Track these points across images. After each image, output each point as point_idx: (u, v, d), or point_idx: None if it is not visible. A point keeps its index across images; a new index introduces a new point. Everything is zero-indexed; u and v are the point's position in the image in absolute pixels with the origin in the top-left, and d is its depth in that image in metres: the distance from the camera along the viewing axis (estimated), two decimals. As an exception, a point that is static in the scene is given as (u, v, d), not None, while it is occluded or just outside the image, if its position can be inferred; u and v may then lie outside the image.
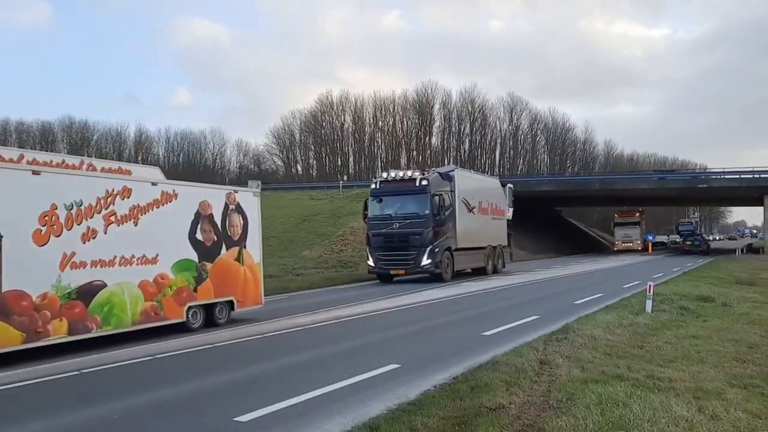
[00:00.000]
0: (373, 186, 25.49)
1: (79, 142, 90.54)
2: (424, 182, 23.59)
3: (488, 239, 28.34)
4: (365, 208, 25.18)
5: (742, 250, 56.88)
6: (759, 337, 11.02)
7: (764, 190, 47.34)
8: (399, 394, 7.38)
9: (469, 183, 27.24)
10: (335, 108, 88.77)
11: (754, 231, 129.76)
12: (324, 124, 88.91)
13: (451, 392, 7.28)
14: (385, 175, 25.58)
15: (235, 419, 6.51)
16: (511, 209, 32.32)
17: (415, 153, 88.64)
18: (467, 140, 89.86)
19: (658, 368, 8.31)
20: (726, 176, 52.86)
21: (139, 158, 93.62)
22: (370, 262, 25.02)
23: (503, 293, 20.58)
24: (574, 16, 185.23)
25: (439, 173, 25.19)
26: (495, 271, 28.46)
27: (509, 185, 33.40)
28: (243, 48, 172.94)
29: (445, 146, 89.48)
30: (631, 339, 10.66)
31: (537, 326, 12.53)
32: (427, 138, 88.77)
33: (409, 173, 24.55)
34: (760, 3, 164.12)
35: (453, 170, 26.08)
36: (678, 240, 75.86)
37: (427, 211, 23.41)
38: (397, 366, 8.91)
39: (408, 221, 23.64)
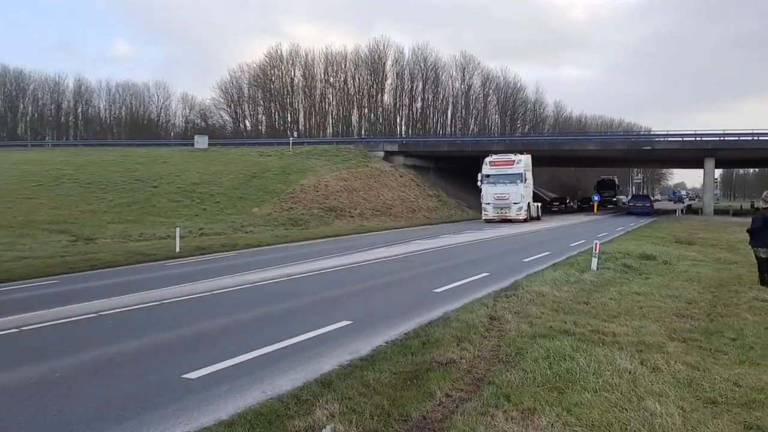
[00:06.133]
0: None
1: (14, 92, 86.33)
2: None
3: None
4: None
5: (682, 211, 58.95)
6: (697, 293, 11.47)
7: (705, 153, 48.85)
8: (351, 350, 7.39)
9: None
10: (285, 62, 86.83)
11: (690, 193, 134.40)
12: (273, 78, 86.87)
13: (403, 348, 7.33)
14: None
15: (183, 376, 6.39)
16: None
17: (366, 110, 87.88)
18: (419, 98, 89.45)
19: (603, 323, 8.55)
20: (669, 138, 54.26)
21: (79, 110, 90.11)
22: None
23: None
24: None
25: None
26: None
27: None
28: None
29: (398, 104, 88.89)
30: (578, 295, 10.93)
31: (487, 283, 12.72)
32: (380, 95, 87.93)
33: None
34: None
35: None
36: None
37: None
38: (349, 322, 8.90)
39: None
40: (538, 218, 42.14)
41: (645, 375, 6.14)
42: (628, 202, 68.81)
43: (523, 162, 40.18)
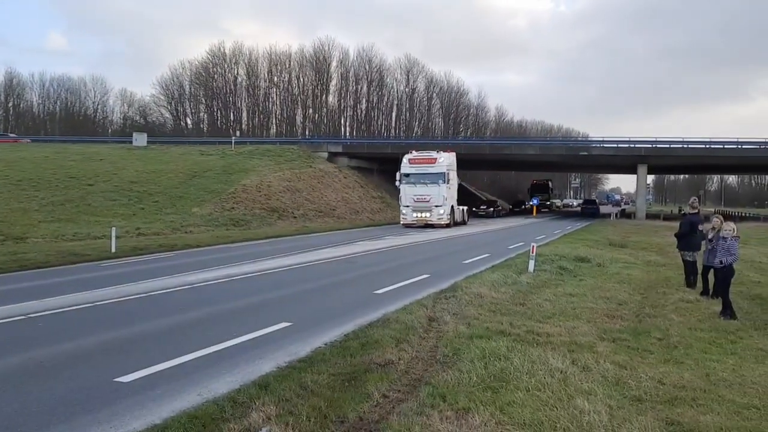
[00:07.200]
0: None
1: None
2: None
3: None
4: None
5: (616, 215, 60.97)
6: (627, 294, 11.93)
7: (638, 159, 50.73)
8: (290, 351, 7.37)
9: None
10: (228, 60, 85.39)
11: (626, 198, 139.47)
12: (216, 76, 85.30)
13: (342, 349, 7.35)
14: None
15: (116, 380, 6.24)
16: None
17: (311, 111, 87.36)
18: (364, 100, 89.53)
19: (538, 324, 8.80)
20: (605, 144, 55.95)
21: (10, 104, 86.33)
22: None
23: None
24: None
25: None
26: None
27: None
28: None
29: (342, 105, 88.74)
30: (514, 297, 11.20)
31: (427, 284, 12.87)
32: (324, 96, 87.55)
33: None
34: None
35: None
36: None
37: None
38: (289, 324, 8.86)
39: None
40: (463, 223, 38.53)
41: (576, 374, 6.36)
42: (580, 205, 77.74)
43: (445, 160, 35.79)
